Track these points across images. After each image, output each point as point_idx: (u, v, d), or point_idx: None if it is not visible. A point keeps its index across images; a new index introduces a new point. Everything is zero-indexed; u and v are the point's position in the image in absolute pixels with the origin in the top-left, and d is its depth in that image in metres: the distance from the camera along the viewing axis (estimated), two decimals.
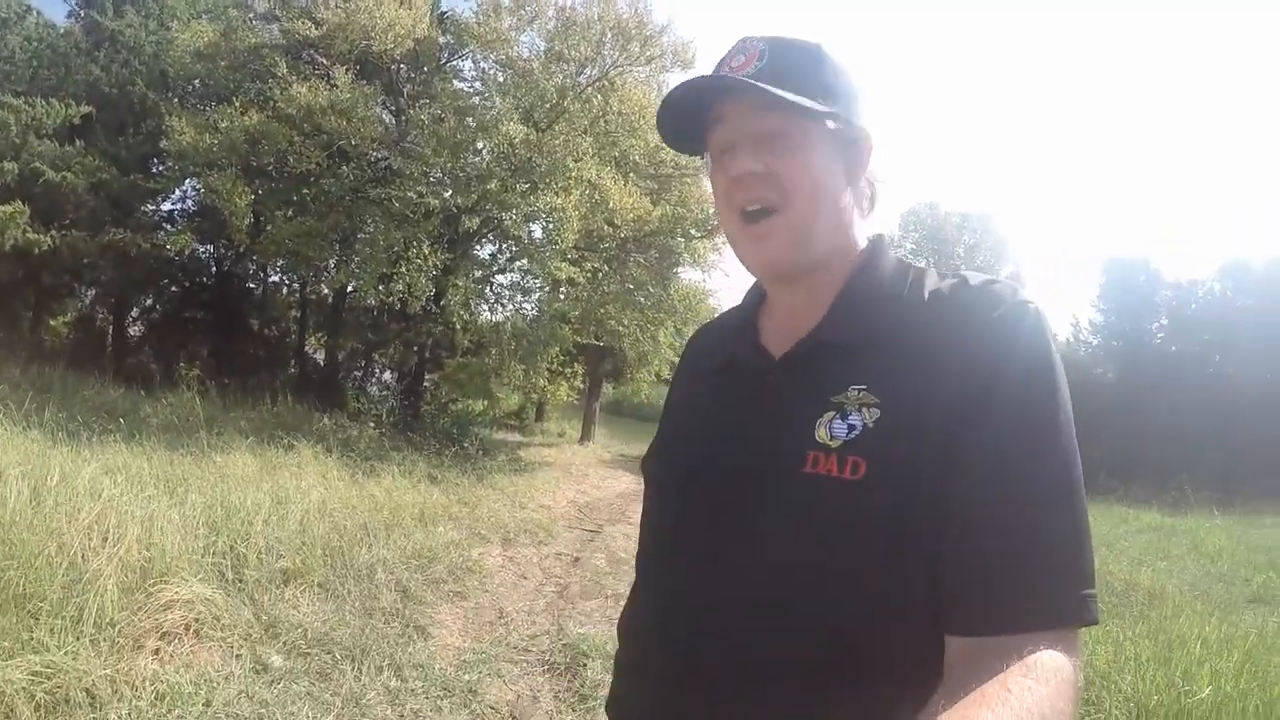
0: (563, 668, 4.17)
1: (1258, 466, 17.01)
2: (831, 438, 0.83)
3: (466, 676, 3.82)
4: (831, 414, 0.84)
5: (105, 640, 2.96)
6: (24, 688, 2.49)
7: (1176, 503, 13.14)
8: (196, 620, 3.37)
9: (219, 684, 3.11)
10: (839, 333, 0.91)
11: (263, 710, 3.03)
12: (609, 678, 4.12)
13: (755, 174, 0.90)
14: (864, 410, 0.82)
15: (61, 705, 2.58)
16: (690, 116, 0.96)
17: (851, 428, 0.82)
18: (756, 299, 1.06)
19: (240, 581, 3.95)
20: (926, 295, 0.89)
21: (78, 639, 2.84)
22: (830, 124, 0.91)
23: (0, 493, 3.47)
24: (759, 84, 0.87)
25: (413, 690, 3.57)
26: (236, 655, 3.38)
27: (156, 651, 3.10)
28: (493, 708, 3.59)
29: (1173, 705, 3.42)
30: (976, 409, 0.78)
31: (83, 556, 3.20)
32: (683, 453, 1.02)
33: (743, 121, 0.92)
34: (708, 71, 0.97)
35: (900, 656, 0.81)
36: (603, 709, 3.84)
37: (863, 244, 0.97)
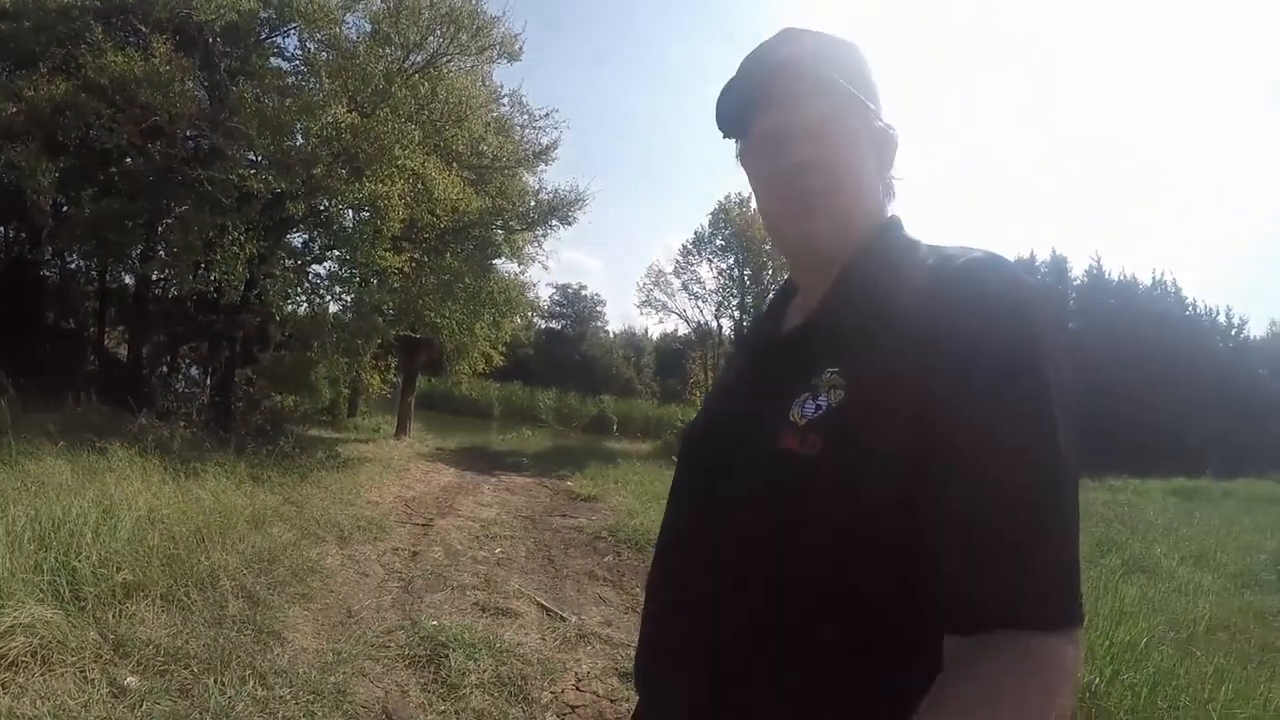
0: (424, 660, 4.19)
1: (1106, 445, 19.75)
2: (801, 416, 0.84)
3: (332, 678, 3.78)
4: (806, 395, 0.86)
5: None
6: None
7: None
8: (41, 645, 3.12)
9: (78, 713, 2.91)
10: (827, 315, 0.94)
11: None
12: (473, 664, 4.23)
13: (809, 163, 0.93)
14: (831, 391, 0.84)
15: None
16: (739, 99, 1.00)
17: (818, 407, 0.84)
18: (790, 287, 1.11)
19: (79, 599, 3.66)
20: (915, 274, 0.88)
21: None
22: (870, 118, 0.96)
23: None
24: (828, 71, 0.93)
25: (281, 698, 3.49)
26: (90, 680, 3.16)
27: (4, 685, 2.86)
28: (365, 706, 3.59)
29: None
30: (953, 396, 0.76)
31: None
32: (695, 428, 1.10)
33: (795, 109, 0.94)
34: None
35: (871, 641, 0.81)
36: (471, 694, 3.92)
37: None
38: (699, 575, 0.93)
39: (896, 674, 0.79)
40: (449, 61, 11.25)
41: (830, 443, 0.81)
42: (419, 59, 10.88)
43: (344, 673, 3.88)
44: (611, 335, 52.39)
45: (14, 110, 9.25)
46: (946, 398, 0.76)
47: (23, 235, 13.75)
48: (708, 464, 1.00)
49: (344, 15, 10.74)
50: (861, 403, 0.82)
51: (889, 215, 1.00)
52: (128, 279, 14.03)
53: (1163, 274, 37.42)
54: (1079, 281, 35.84)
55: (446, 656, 4.20)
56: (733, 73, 1.02)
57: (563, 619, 5.18)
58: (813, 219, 0.94)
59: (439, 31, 10.62)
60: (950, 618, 0.75)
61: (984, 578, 0.73)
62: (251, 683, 3.56)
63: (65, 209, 10.07)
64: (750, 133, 1.01)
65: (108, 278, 14.49)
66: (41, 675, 3.04)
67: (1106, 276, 35.80)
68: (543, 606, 5.45)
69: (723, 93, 1.00)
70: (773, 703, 0.84)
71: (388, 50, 10.53)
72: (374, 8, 10.72)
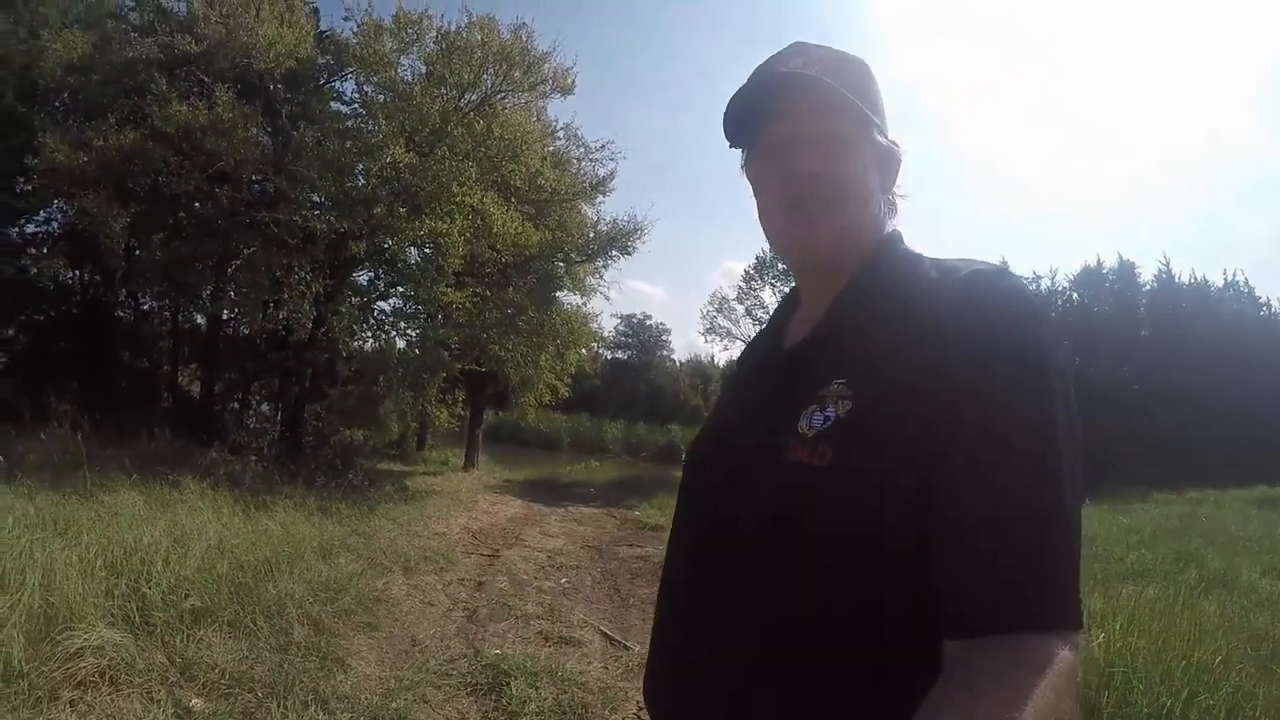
0: (486, 688, 4.16)
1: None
2: (810, 428, 0.85)
3: (394, 704, 3.77)
4: (814, 407, 0.86)
5: (17, 695, 2.78)
6: None
7: None
8: (110, 667, 3.19)
9: None
10: (832, 327, 0.95)
11: None
12: (534, 693, 4.16)
13: (816, 174, 0.93)
14: (839, 403, 0.84)
15: None
16: (747, 109, 1.00)
17: (827, 419, 0.84)
18: (792, 300, 1.11)
19: (148, 624, 3.75)
20: (919, 286, 0.90)
21: None
22: (877, 135, 0.97)
23: None
24: (838, 86, 0.92)
25: None
26: (156, 701, 3.22)
27: (73, 703, 2.93)
28: None
29: None
30: (959, 404, 0.77)
31: None
32: (700, 443, 1.10)
33: (804, 121, 0.94)
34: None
35: (877, 644, 0.81)
36: None
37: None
38: (707, 590, 0.93)
39: (909, 682, 0.76)
40: (503, 98, 11.43)
41: (840, 453, 0.82)
42: (473, 97, 11.08)
43: (405, 699, 3.87)
44: (678, 364, 52.18)
45: (85, 160, 9.61)
46: (952, 406, 0.77)
47: (97, 278, 14.27)
48: (714, 478, 1.00)
49: (399, 58, 11.09)
50: (870, 413, 0.82)
51: (890, 230, 1.01)
52: (199, 318, 14.61)
53: (1235, 273, 35.36)
54: (1149, 287, 34.43)
55: (508, 685, 4.15)
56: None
57: (626, 648, 5.09)
58: (816, 230, 0.95)
59: (492, 70, 10.84)
60: (950, 620, 0.75)
61: (984, 581, 0.74)
62: (314, 708, 3.57)
63: (137, 252, 10.55)
64: (756, 142, 1.01)
65: (180, 317, 14.99)
66: (109, 695, 3.11)
67: (1177, 280, 34.28)
68: (607, 635, 5.37)
69: (731, 102, 1.00)
70: (784, 716, 0.84)
71: (443, 90, 10.77)
72: (428, 50, 11.05)
